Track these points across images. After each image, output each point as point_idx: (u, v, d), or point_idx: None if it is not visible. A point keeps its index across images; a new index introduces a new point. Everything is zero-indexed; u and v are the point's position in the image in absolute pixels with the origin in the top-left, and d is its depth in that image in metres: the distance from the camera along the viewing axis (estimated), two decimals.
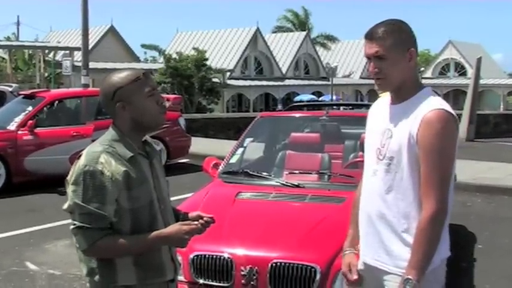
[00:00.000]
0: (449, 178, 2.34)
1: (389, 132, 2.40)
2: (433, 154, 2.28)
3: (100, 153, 2.23)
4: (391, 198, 2.39)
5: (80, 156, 2.27)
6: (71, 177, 2.24)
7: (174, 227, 2.28)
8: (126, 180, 2.22)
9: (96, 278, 2.29)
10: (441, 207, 2.28)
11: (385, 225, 2.42)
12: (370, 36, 2.41)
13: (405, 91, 2.43)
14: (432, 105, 2.32)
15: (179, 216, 2.50)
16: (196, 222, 2.33)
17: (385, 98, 2.58)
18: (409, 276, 2.28)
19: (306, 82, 47.37)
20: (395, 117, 2.41)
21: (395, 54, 2.37)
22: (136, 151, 2.31)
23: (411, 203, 2.36)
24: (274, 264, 3.59)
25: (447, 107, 2.34)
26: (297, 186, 4.65)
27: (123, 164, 2.24)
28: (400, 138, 2.35)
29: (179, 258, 3.62)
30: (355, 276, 2.59)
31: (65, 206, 2.25)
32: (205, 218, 2.38)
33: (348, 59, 55.27)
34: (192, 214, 2.46)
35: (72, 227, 2.23)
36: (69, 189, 2.23)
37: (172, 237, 2.27)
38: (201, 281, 3.71)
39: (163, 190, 2.41)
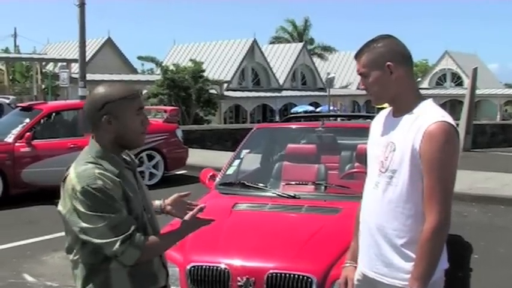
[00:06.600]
0: (452, 190, 2.35)
1: (393, 145, 2.41)
2: (436, 167, 2.28)
3: (93, 170, 2.19)
4: (392, 211, 2.40)
5: (66, 178, 2.22)
6: (76, 206, 2.16)
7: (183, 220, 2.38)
8: (123, 195, 2.22)
9: None
10: (444, 219, 2.29)
11: (385, 237, 2.43)
12: (355, 56, 2.53)
13: (404, 104, 2.44)
14: (435, 117, 2.32)
15: None
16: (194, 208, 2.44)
17: (387, 109, 2.60)
18: None
19: (303, 93, 47.43)
20: (398, 130, 2.42)
21: (374, 71, 2.42)
22: (122, 165, 2.30)
23: (411, 216, 2.37)
24: (270, 275, 3.61)
25: (449, 119, 2.34)
26: (293, 197, 4.67)
27: (115, 180, 2.21)
28: (403, 151, 2.36)
29: (176, 269, 3.68)
30: None
31: (96, 241, 2.17)
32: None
33: (345, 70, 55.39)
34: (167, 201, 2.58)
35: (116, 247, 2.14)
36: (85, 219, 2.15)
37: (189, 224, 2.36)
38: None
39: (147, 199, 2.43)
